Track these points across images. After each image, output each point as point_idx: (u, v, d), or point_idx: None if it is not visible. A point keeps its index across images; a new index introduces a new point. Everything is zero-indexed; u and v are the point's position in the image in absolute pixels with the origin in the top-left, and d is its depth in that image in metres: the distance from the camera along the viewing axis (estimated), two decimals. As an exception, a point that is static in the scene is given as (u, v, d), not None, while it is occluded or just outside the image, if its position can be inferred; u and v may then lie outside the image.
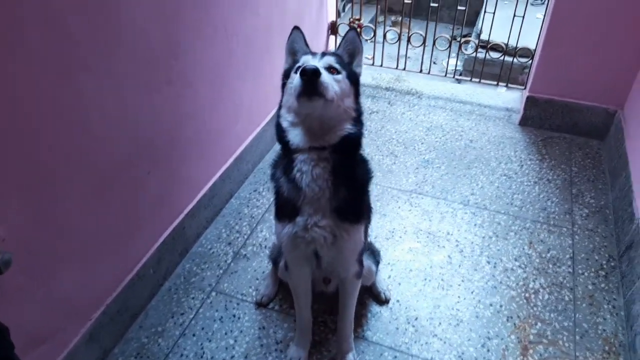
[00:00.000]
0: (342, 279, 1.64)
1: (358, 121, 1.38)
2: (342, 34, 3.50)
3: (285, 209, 1.45)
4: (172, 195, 2.04)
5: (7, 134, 1.24)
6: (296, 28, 1.46)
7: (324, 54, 1.37)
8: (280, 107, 1.41)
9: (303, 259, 1.54)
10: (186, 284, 2.06)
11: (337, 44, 1.53)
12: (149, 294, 1.99)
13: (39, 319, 1.49)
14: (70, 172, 1.47)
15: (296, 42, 1.45)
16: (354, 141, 1.37)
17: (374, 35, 3.47)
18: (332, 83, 1.28)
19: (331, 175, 1.35)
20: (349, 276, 1.60)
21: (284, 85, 1.43)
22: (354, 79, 1.39)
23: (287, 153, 1.39)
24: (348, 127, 1.34)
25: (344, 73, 1.34)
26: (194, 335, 1.87)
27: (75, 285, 1.61)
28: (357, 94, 1.41)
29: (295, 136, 1.34)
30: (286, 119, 1.36)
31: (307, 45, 1.46)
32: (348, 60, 1.44)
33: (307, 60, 1.33)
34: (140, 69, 1.67)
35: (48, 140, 1.37)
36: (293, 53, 1.46)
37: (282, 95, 1.42)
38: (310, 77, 1.21)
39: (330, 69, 1.32)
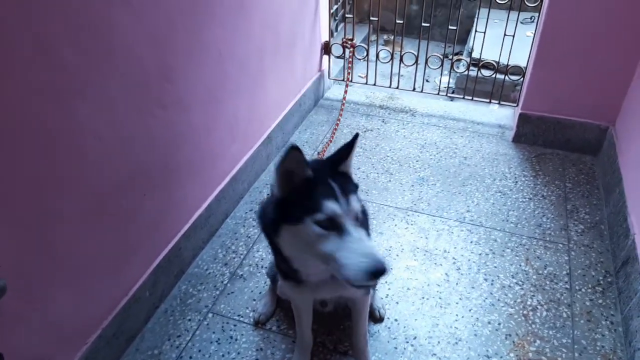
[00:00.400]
0: (351, 300, 1.65)
1: None
2: (337, 54, 3.55)
3: (288, 273, 1.44)
4: (167, 217, 2.03)
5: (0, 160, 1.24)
6: (295, 149, 1.14)
7: (343, 190, 1.19)
8: (279, 239, 1.27)
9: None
10: (182, 306, 2.04)
11: (348, 152, 1.31)
12: (145, 317, 1.96)
13: (34, 344, 1.47)
14: (64, 196, 1.47)
15: (295, 165, 1.18)
16: None
17: (367, 54, 3.51)
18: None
19: None
20: (357, 297, 1.62)
21: (290, 219, 1.21)
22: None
23: None
24: None
25: (361, 202, 1.27)
26: (190, 357, 1.84)
27: (71, 309, 1.59)
28: None
29: (306, 268, 1.34)
30: (295, 263, 1.32)
31: (307, 165, 1.19)
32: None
33: (339, 213, 1.15)
34: (134, 93, 1.67)
35: (42, 165, 1.37)
36: (289, 177, 1.20)
37: (273, 241, 1.30)
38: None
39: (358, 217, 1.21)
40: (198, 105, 2.07)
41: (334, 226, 1.15)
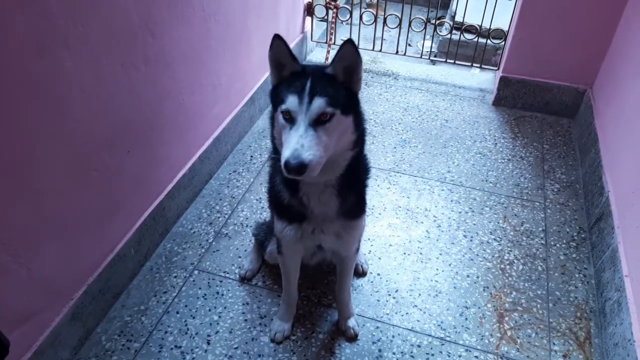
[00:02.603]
0: (341, 257, 1.68)
1: (358, 141, 1.32)
2: (320, 16, 3.51)
3: (288, 213, 1.46)
4: (150, 176, 2.03)
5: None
6: (277, 37, 1.22)
7: (313, 91, 1.18)
8: (273, 136, 1.32)
9: (303, 250, 1.61)
10: (168, 263, 2.06)
11: (331, 58, 1.31)
12: (130, 274, 1.98)
13: (21, 298, 1.48)
14: (49, 152, 1.45)
15: (280, 54, 1.24)
16: (356, 161, 1.36)
17: (350, 16, 3.48)
18: (319, 146, 1.16)
19: (338, 196, 1.38)
20: (349, 255, 1.66)
21: (274, 105, 1.27)
22: (352, 104, 1.26)
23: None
24: (349, 155, 1.31)
25: (337, 111, 1.19)
26: (177, 312, 1.87)
27: (56, 264, 1.59)
28: (356, 117, 1.28)
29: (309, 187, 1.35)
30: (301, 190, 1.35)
31: (292, 56, 1.24)
32: (343, 79, 1.24)
33: (294, 108, 1.17)
34: (117, 45, 1.65)
35: (26, 119, 1.35)
36: (279, 66, 1.26)
37: (272, 121, 1.30)
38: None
39: (322, 116, 1.17)
40: (181, 61, 2.04)
41: (291, 120, 1.19)
